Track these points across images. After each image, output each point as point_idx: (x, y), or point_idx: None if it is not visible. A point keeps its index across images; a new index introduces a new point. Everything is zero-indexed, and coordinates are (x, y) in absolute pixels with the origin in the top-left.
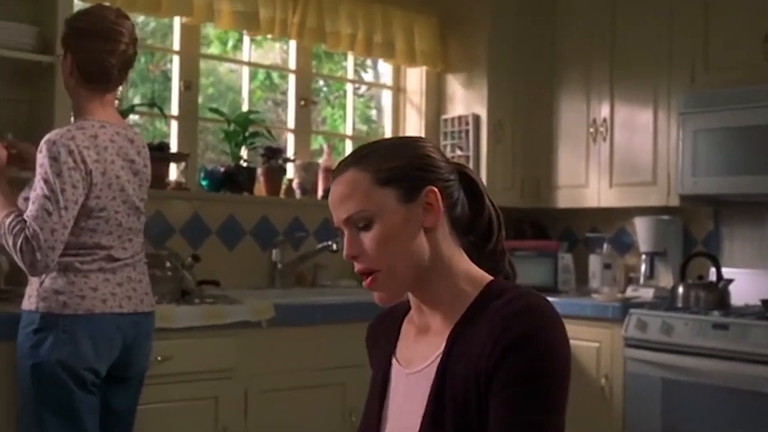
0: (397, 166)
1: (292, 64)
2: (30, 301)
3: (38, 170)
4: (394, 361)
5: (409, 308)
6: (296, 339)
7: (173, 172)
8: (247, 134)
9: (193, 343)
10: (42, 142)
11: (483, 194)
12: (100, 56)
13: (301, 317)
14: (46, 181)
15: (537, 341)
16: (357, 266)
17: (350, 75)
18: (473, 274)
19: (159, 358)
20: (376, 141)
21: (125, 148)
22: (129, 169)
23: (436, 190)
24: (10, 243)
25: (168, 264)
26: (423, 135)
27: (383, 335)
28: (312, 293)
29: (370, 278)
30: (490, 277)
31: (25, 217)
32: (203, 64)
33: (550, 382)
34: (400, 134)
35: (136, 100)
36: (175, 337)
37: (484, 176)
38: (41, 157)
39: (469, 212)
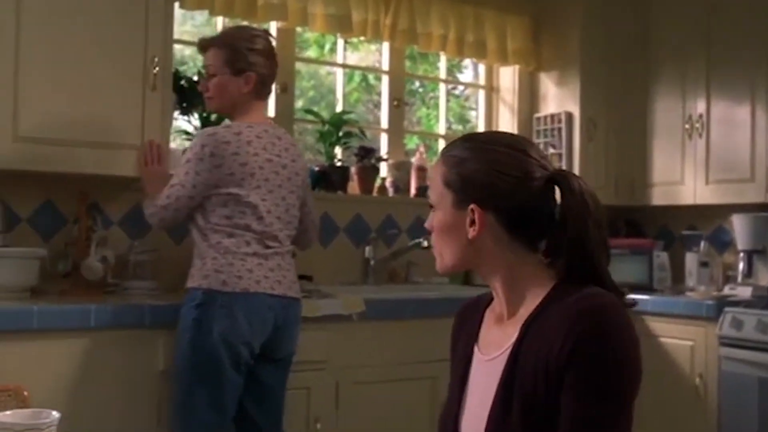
0: (462, 174)
1: (385, 66)
2: (193, 279)
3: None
4: (475, 347)
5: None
6: (387, 333)
7: None
8: (341, 134)
9: None
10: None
11: (570, 207)
12: (272, 71)
13: (391, 312)
14: (182, 166)
15: (606, 339)
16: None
17: (443, 75)
18: (540, 275)
19: None
20: (474, 137)
21: (271, 145)
22: (276, 163)
23: (478, 210)
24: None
25: None
26: (516, 133)
27: (468, 322)
28: (403, 289)
29: (433, 251)
30: (556, 278)
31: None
32: (305, 68)
33: (617, 379)
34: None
35: None
36: None
37: (577, 174)
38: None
39: (547, 223)
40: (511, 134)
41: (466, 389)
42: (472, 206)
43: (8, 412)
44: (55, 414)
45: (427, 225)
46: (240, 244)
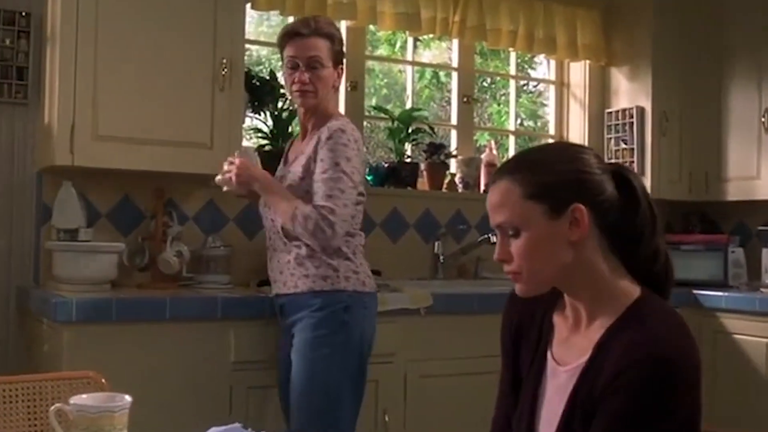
0: (547, 181)
1: (454, 63)
2: (330, 280)
3: (325, 154)
4: (548, 354)
5: (556, 296)
6: (454, 327)
7: None
8: (410, 131)
9: None
10: (328, 131)
11: (639, 198)
12: None
13: (458, 306)
14: (336, 164)
15: (662, 388)
16: (505, 268)
17: (513, 71)
18: (623, 286)
19: None
20: (536, 149)
21: None
22: None
23: (582, 208)
24: (305, 226)
25: None
26: (587, 129)
27: (534, 326)
28: (472, 284)
29: (513, 276)
30: (639, 290)
31: (316, 200)
32: (378, 66)
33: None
34: (564, 130)
35: None
36: None
37: (648, 169)
38: (330, 143)
39: (622, 215)
40: (562, 140)
41: (539, 397)
42: (573, 206)
43: (84, 396)
44: (128, 398)
45: (500, 256)
46: (361, 244)
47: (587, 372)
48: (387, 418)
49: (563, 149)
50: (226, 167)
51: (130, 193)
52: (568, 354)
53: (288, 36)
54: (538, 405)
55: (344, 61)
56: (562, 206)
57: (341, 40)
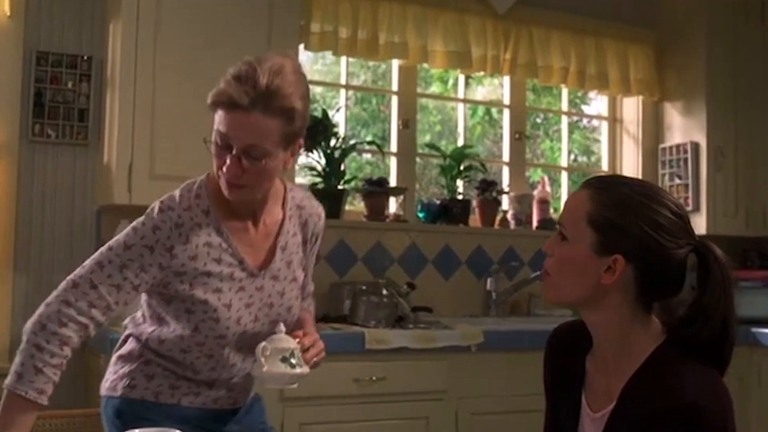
0: (612, 220)
1: (506, 99)
2: None
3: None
4: (583, 399)
5: (590, 338)
6: (506, 364)
7: (392, 205)
8: (462, 168)
9: (406, 365)
10: (319, 217)
11: (710, 282)
12: None
13: (509, 342)
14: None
15: (691, 429)
16: (545, 262)
17: (565, 107)
18: (647, 334)
19: (374, 378)
20: (632, 183)
21: None
22: None
23: (623, 262)
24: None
25: (385, 291)
26: (640, 164)
27: (569, 368)
28: (524, 321)
29: (544, 273)
30: (663, 337)
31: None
32: (432, 103)
33: None
34: (618, 165)
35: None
36: (389, 359)
37: (704, 205)
38: (322, 225)
39: (697, 300)
40: (667, 193)
41: None
42: (617, 256)
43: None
44: None
45: (547, 248)
46: None
47: (613, 420)
48: None
49: (652, 200)
50: None
51: None
52: (598, 399)
53: (220, 104)
54: None
55: (304, 134)
56: (609, 249)
57: (304, 110)
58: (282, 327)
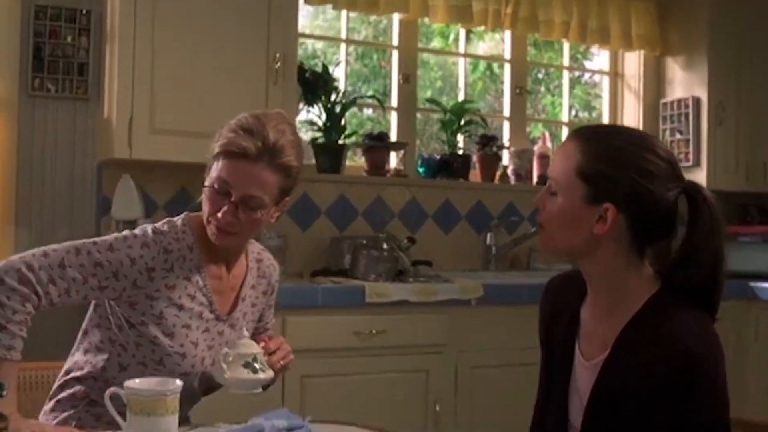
0: (601, 170)
1: (507, 54)
2: None
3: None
4: (577, 347)
5: (584, 285)
6: (505, 318)
7: (393, 160)
8: (462, 123)
9: (406, 319)
10: (276, 270)
11: (700, 223)
12: None
13: (509, 296)
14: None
15: (685, 392)
16: (538, 215)
17: (566, 62)
18: (642, 282)
19: (374, 331)
20: (618, 131)
21: None
22: None
23: (614, 211)
24: None
25: (385, 245)
26: (641, 119)
27: (564, 318)
28: (524, 275)
29: (539, 226)
30: (657, 286)
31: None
32: (433, 58)
33: (692, 416)
34: (618, 121)
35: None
36: (389, 312)
37: (704, 160)
38: (277, 276)
39: (670, 235)
40: (655, 138)
41: (570, 389)
42: (608, 206)
43: (137, 380)
44: (178, 382)
45: (538, 202)
46: None
47: (608, 367)
48: (438, 408)
49: (641, 147)
50: None
51: (187, 185)
52: (592, 348)
53: (228, 153)
54: (569, 398)
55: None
56: (600, 199)
57: (299, 171)
58: (245, 332)
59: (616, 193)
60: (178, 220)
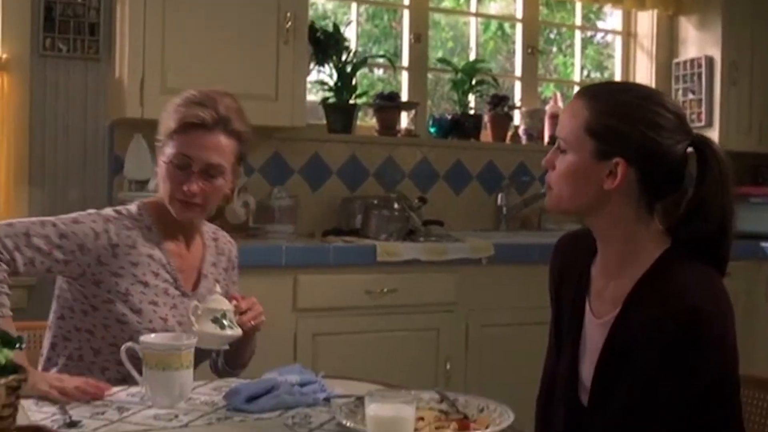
0: (611, 125)
1: (519, 14)
2: None
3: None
4: (587, 306)
5: (594, 243)
6: (515, 277)
7: (404, 120)
8: (473, 83)
9: (417, 278)
10: (234, 247)
11: (709, 175)
12: None
13: (519, 256)
14: None
15: (694, 340)
16: (546, 176)
17: (578, 22)
18: (652, 240)
19: (385, 290)
20: (625, 87)
21: None
22: None
23: (624, 165)
24: None
25: (396, 205)
26: (654, 80)
27: (573, 276)
28: (535, 235)
29: (547, 187)
30: (668, 244)
31: None
32: (444, 19)
33: (696, 374)
34: (630, 80)
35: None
36: (400, 271)
37: (717, 120)
38: (236, 252)
39: (678, 188)
40: (663, 93)
41: (580, 348)
42: (618, 160)
43: (152, 335)
44: (194, 339)
45: (546, 163)
46: None
47: (618, 324)
48: (449, 367)
49: (649, 101)
50: None
51: None
52: (603, 306)
53: (187, 125)
54: (579, 356)
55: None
56: (609, 154)
57: (250, 135)
58: (218, 288)
59: (625, 147)
60: (132, 206)
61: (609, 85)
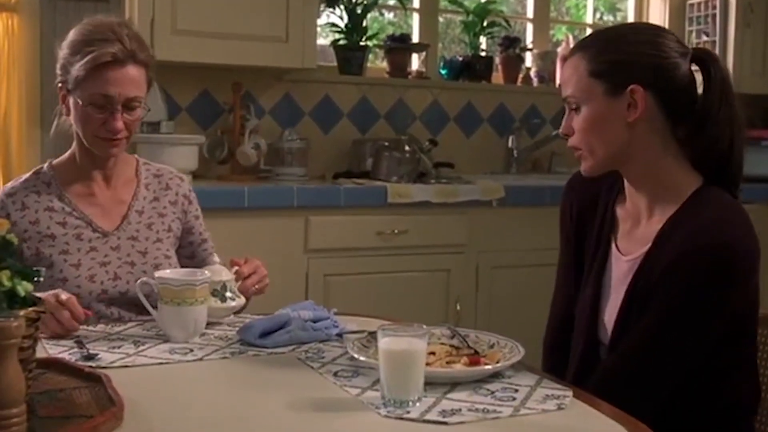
0: (613, 59)
1: None
2: None
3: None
4: (613, 244)
5: (615, 184)
6: (526, 219)
7: (415, 62)
8: (485, 24)
9: (428, 219)
10: (180, 180)
11: (713, 86)
12: None
13: (530, 198)
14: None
15: (723, 275)
16: (568, 142)
17: None
18: (683, 175)
19: (396, 231)
20: (614, 26)
21: None
22: None
23: (641, 90)
24: None
25: (407, 147)
26: (667, 21)
27: (596, 214)
28: (546, 178)
29: (577, 153)
30: (700, 181)
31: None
32: None
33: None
34: (644, 20)
35: None
36: (411, 213)
37: (731, 62)
38: (188, 186)
39: (691, 101)
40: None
41: (603, 284)
42: (632, 87)
43: (168, 271)
44: (207, 273)
45: (564, 130)
46: None
47: (648, 260)
48: (459, 307)
49: (640, 29)
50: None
51: (210, 87)
52: (631, 245)
53: (99, 66)
54: (602, 293)
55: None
56: (621, 86)
57: (154, 59)
58: (216, 258)
59: (634, 72)
60: (28, 174)
61: (595, 32)
